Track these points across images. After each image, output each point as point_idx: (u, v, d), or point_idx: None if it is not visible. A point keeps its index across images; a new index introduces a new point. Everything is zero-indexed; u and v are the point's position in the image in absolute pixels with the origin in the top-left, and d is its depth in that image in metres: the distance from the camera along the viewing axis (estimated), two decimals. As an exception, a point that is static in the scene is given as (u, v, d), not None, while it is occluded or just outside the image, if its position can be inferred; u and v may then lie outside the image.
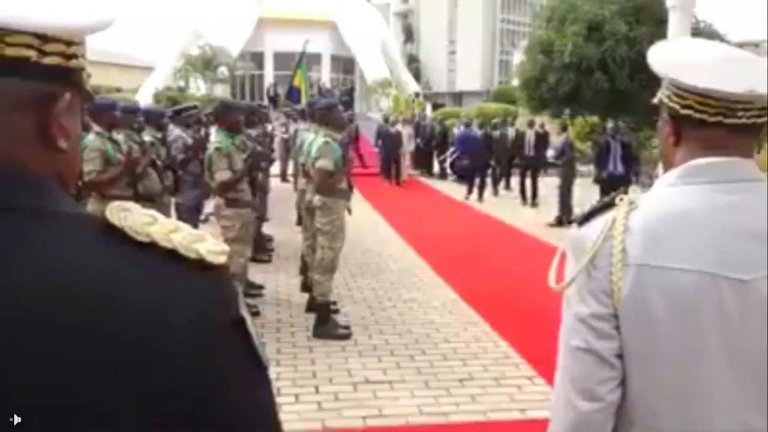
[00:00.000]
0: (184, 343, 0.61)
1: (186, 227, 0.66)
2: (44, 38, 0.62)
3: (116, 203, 0.65)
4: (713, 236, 1.04)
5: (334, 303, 5.37)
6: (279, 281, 6.43)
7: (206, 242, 0.65)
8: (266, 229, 8.06)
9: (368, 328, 5.10)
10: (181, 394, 0.61)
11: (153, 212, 0.66)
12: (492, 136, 13.79)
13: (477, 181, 13.04)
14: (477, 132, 14.58)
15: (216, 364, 0.63)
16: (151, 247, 0.62)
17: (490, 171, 13.69)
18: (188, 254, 0.63)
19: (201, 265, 0.63)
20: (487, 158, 13.39)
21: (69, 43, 0.65)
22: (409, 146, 15.81)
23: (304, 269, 5.84)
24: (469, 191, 13.03)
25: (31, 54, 0.61)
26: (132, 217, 0.63)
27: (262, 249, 7.28)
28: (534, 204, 12.03)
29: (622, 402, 1.09)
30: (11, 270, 0.58)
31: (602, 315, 1.07)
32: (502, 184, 14.20)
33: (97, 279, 0.59)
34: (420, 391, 3.95)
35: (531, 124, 13.31)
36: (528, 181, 12.50)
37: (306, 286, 5.64)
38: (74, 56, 0.66)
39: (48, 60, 0.63)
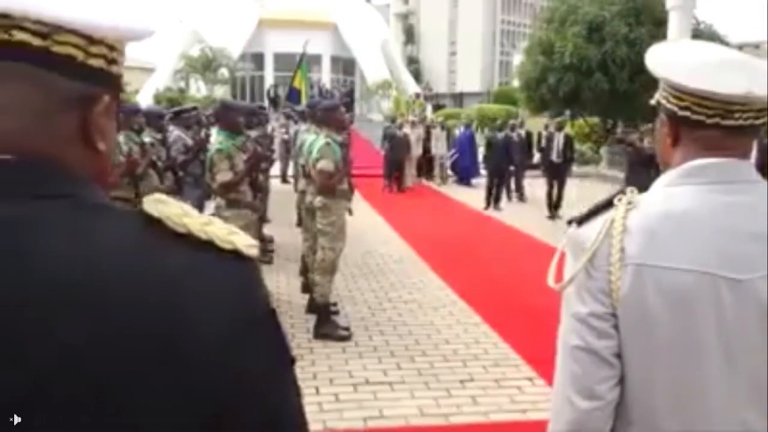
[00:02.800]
0: (217, 336, 0.60)
1: (217, 221, 0.67)
2: (90, 40, 0.64)
3: (153, 196, 0.66)
4: (711, 236, 1.05)
5: (335, 304, 5.37)
6: (279, 282, 6.43)
7: (239, 235, 0.66)
8: (266, 230, 8.06)
9: (369, 329, 5.10)
10: (215, 389, 0.60)
11: (184, 205, 0.66)
12: (511, 138, 12.86)
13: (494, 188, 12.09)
14: (498, 136, 12.93)
15: (251, 355, 0.63)
16: (188, 237, 0.63)
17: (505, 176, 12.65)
18: (224, 245, 0.64)
19: (236, 256, 0.64)
20: (506, 163, 12.42)
21: (111, 48, 0.67)
22: (417, 150, 15.16)
23: (305, 270, 5.84)
24: (488, 202, 12.01)
25: (78, 54, 0.63)
26: (168, 208, 0.64)
27: (262, 250, 7.28)
28: (557, 215, 10.75)
29: (621, 401, 1.10)
30: (29, 260, 0.58)
31: (601, 314, 1.08)
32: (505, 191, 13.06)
33: (123, 270, 0.59)
34: (420, 393, 3.95)
35: (560, 126, 11.74)
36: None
37: (306, 287, 5.65)
38: (115, 62, 0.68)
39: (92, 62, 0.65)
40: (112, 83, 0.68)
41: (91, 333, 0.56)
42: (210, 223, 0.65)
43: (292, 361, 0.69)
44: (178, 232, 0.63)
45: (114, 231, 0.62)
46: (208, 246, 0.63)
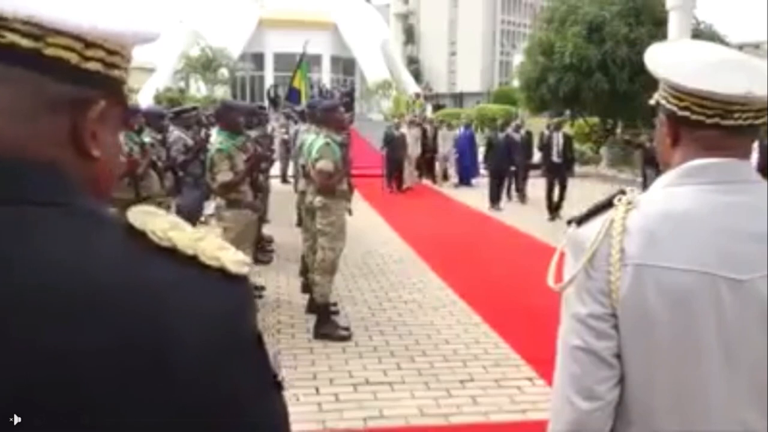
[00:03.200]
0: (199, 356, 0.58)
1: (209, 235, 0.64)
2: (86, 43, 0.62)
3: (142, 206, 0.64)
4: (711, 236, 1.04)
5: (335, 304, 5.37)
6: (279, 282, 6.43)
7: (229, 251, 0.63)
8: (266, 230, 8.07)
9: (369, 329, 5.10)
10: (192, 414, 0.58)
11: (176, 218, 0.64)
12: (513, 138, 12.88)
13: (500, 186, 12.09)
14: (499, 136, 13.06)
15: (232, 380, 0.61)
16: (172, 252, 0.61)
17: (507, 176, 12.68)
18: (210, 262, 0.61)
19: (223, 274, 0.61)
20: (507, 164, 12.44)
21: (111, 52, 0.65)
22: (415, 150, 15.12)
23: (305, 270, 5.84)
24: (492, 201, 11.99)
25: (72, 57, 0.62)
26: (154, 221, 0.62)
27: (262, 250, 7.29)
28: (558, 216, 10.62)
29: (621, 401, 1.09)
30: (18, 267, 0.56)
31: (600, 315, 1.07)
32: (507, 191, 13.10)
33: (109, 281, 0.58)
34: (420, 393, 3.95)
35: (559, 126, 11.65)
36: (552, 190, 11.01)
37: (306, 287, 5.65)
38: (115, 66, 0.66)
39: (88, 65, 0.63)
40: (111, 88, 0.66)
41: (75, 343, 0.55)
42: (200, 237, 0.62)
43: (279, 383, 0.66)
44: (162, 246, 0.61)
45: (96, 242, 0.60)
46: (193, 262, 0.61)
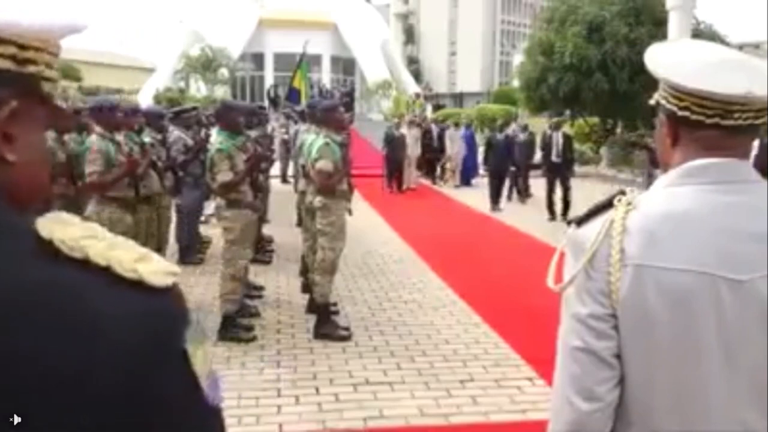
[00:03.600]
0: (106, 377, 0.54)
1: (131, 245, 0.60)
2: None
3: (53, 215, 0.61)
4: (711, 237, 1.04)
5: (335, 304, 5.38)
6: (279, 282, 6.43)
7: (150, 262, 0.59)
8: (266, 230, 8.07)
9: (369, 329, 5.10)
10: (114, 423, 0.55)
11: (95, 227, 0.61)
12: (514, 138, 12.90)
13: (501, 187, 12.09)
14: (498, 136, 13.03)
15: (150, 392, 0.56)
16: (83, 263, 0.57)
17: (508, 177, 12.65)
18: (125, 274, 0.57)
19: (140, 286, 0.57)
20: (507, 164, 12.43)
21: (23, 47, 0.60)
22: (415, 150, 15.07)
23: (305, 270, 5.85)
24: (494, 202, 11.90)
25: None
26: (65, 230, 0.58)
27: (262, 250, 7.29)
28: (565, 218, 10.29)
29: (621, 401, 1.09)
30: None
31: (600, 315, 1.08)
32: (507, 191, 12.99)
33: (17, 289, 0.54)
34: (420, 393, 3.95)
35: (558, 126, 11.59)
36: (553, 191, 10.88)
37: (306, 287, 5.65)
38: (31, 61, 0.61)
39: None
40: (26, 86, 0.61)
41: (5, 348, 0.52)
42: (116, 247, 0.59)
43: (207, 405, 0.62)
44: (71, 257, 0.57)
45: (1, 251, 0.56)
46: (106, 272, 0.57)
